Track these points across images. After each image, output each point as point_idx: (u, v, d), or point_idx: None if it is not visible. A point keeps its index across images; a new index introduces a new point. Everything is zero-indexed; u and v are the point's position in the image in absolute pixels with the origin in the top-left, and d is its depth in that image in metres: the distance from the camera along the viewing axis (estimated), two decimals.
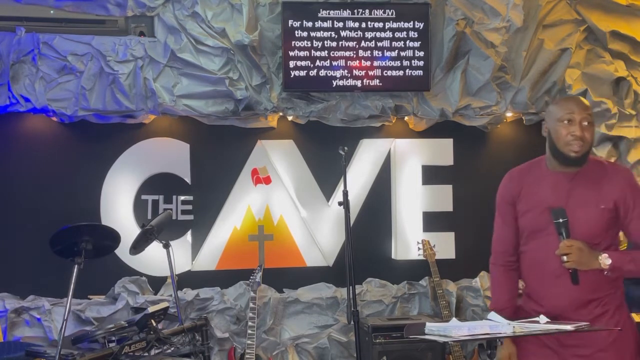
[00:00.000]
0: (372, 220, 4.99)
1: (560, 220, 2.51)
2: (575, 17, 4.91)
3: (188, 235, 4.82)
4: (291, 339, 4.75)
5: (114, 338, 3.58)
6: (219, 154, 4.86)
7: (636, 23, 4.95)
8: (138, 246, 4.13)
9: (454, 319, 2.49)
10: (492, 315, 2.50)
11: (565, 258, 2.48)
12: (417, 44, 4.75)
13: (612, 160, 4.96)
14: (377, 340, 4.41)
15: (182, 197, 4.82)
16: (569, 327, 2.37)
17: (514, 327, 2.34)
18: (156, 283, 4.73)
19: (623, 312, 2.62)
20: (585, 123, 2.55)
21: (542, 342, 2.59)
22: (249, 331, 4.35)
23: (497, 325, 2.36)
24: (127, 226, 4.63)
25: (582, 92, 4.89)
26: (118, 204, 4.73)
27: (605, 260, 2.48)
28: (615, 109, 4.93)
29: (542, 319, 2.47)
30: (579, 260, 2.48)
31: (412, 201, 5.00)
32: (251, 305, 4.44)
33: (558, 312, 2.55)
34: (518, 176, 2.72)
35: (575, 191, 2.58)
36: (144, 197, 4.78)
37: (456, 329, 2.32)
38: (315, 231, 4.91)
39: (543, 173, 2.65)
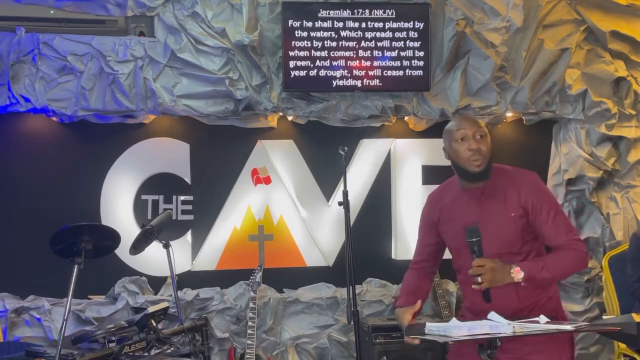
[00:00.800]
0: (372, 220, 4.99)
1: (474, 239, 2.52)
2: (575, 17, 4.91)
3: (188, 235, 4.82)
4: (291, 339, 4.75)
5: (114, 338, 3.57)
6: (219, 154, 4.86)
7: (636, 23, 4.95)
8: (138, 246, 4.13)
9: (453, 319, 2.49)
10: (492, 315, 2.50)
11: (479, 279, 2.47)
12: (417, 44, 4.75)
13: (612, 160, 4.96)
14: (377, 340, 4.41)
15: (182, 197, 4.82)
16: (568, 327, 2.37)
17: (514, 327, 2.34)
18: (156, 283, 4.73)
19: (560, 313, 2.69)
20: (479, 136, 2.61)
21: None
22: (249, 331, 4.35)
23: (497, 325, 2.36)
24: (127, 226, 4.63)
25: (582, 92, 4.89)
26: (118, 203, 4.73)
27: (517, 275, 2.49)
28: (615, 109, 4.92)
29: (542, 318, 2.47)
30: (493, 278, 2.47)
31: (412, 201, 5.00)
32: (251, 305, 4.44)
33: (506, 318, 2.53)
34: (435, 200, 2.81)
35: (486, 204, 2.63)
36: (144, 197, 4.78)
37: (456, 329, 2.32)
38: (315, 231, 4.91)
39: (456, 193, 2.71)
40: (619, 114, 4.94)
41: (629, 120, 4.98)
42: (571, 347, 2.66)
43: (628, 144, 4.98)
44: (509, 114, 5.02)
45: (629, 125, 4.97)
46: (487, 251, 2.54)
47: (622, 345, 4.07)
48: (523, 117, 5.06)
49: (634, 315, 3.37)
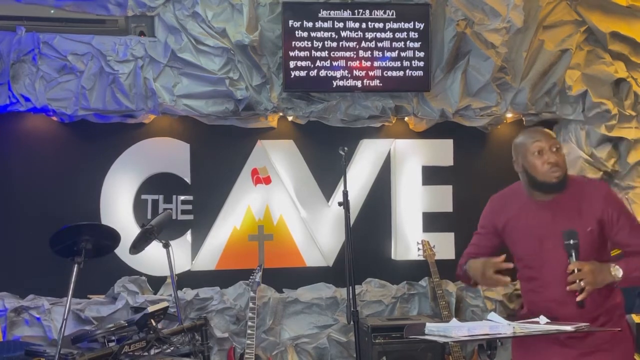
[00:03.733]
0: (372, 221, 4.99)
1: (572, 242, 2.51)
2: (575, 18, 4.91)
3: (188, 235, 4.82)
4: (291, 339, 4.75)
5: (113, 337, 3.58)
6: (219, 154, 4.86)
7: (636, 24, 4.95)
8: (138, 246, 4.13)
9: (454, 319, 2.50)
10: (492, 315, 2.51)
11: (582, 284, 2.46)
12: (417, 45, 4.75)
13: (612, 161, 4.96)
14: (377, 341, 4.41)
15: (182, 197, 4.82)
16: (569, 328, 2.40)
17: (514, 327, 2.35)
18: (156, 283, 4.73)
19: (623, 321, 2.68)
20: (554, 149, 2.61)
21: (551, 340, 2.60)
22: (249, 331, 4.35)
23: (497, 325, 2.37)
24: (127, 226, 4.63)
25: (583, 93, 4.89)
26: (118, 203, 4.73)
27: (617, 272, 2.52)
28: (616, 110, 4.93)
29: (542, 319, 2.48)
30: (594, 280, 2.48)
31: (412, 201, 5.00)
32: (251, 305, 4.44)
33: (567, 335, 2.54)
34: (500, 206, 2.78)
35: (559, 217, 2.62)
36: (144, 196, 4.78)
37: (456, 330, 2.33)
38: (315, 231, 4.91)
39: (525, 202, 2.69)
40: (619, 115, 4.94)
41: (629, 122, 4.98)
42: (634, 345, 2.70)
43: (628, 145, 4.98)
44: (509, 115, 5.02)
45: (629, 127, 4.97)
46: (565, 258, 2.53)
47: None
48: (523, 118, 5.06)
49: (633, 316, 3.39)
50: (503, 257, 2.61)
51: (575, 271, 2.45)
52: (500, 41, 4.75)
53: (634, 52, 4.96)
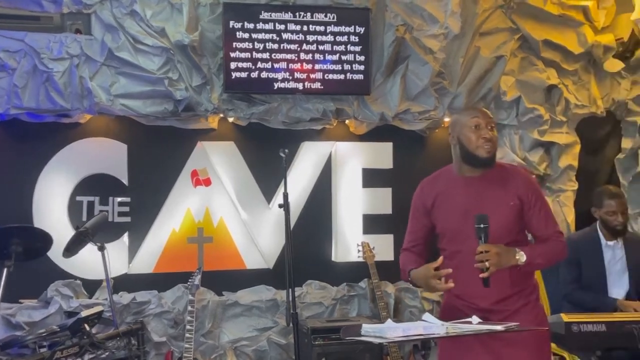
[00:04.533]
0: (312, 223, 5.01)
1: (482, 225, 2.65)
2: (510, 26, 5.06)
3: (125, 238, 4.73)
4: (230, 342, 4.72)
5: (45, 343, 3.48)
6: (158, 155, 4.78)
7: (568, 33, 5.13)
8: (72, 248, 4.04)
9: (389, 320, 2.54)
10: (426, 316, 2.56)
11: (487, 264, 2.60)
12: (358, 48, 4.80)
13: (544, 165, 5.13)
14: (317, 342, 4.42)
15: (119, 199, 4.72)
16: (499, 328, 2.48)
17: (447, 327, 2.40)
18: (91, 286, 4.62)
19: (540, 305, 2.86)
20: (490, 127, 2.76)
21: (472, 337, 2.68)
22: (187, 335, 4.30)
23: (431, 326, 2.42)
24: (60, 228, 4.50)
25: (516, 99, 5.04)
26: (52, 205, 4.60)
27: (521, 257, 2.68)
28: (547, 115, 5.09)
29: (475, 319, 2.55)
30: (499, 262, 2.63)
31: (352, 204, 5.04)
32: (189, 308, 4.39)
33: (486, 306, 2.72)
34: (430, 186, 2.91)
35: (486, 192, 2.77)
36: (79, 198, 4.66)
37: (391, 330, 2.36)
38: (256, 233, 4.90)
39: (454, 179, 2.83)
40: (551, 120, 5.11)
41: (560, 127, 5.16)
42: (549, 343, 2.88)
43: (559, 150, 5.15)
44: (447, 119, 5.12)
45: (560, 132, 5.15)
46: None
47: (552, 345, 4.20)
48: None
49: (562, 315, 3.50)
50: (440, 260, 2.70)
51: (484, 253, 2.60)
52: (438, 47, 4.84)
53: (565, 60, 5.14)
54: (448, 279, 2.64)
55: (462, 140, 2.76)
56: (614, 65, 5.13)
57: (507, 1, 5.03)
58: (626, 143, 5.22)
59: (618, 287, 3.92)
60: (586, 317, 3.44)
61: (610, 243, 3.93)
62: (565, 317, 3.45)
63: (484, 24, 5.01)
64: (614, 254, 3.94)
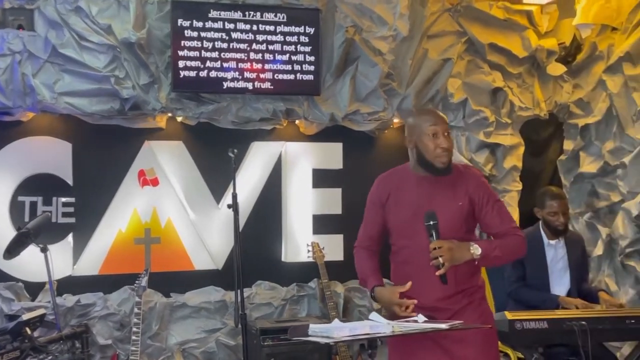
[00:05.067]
0: (262, 223, 4.99)
1: (431, 222, 2.71)
2: (457, 29, 5.14)
3: (69, 239, 4.62)
4: (178, 344, 4.67)
5: None
6: (104, 154, 4.69)
7: (513, 37, 5.25)
8: (13, 250, 3.93)
9: (335, 320, 2.55)
10: (373, 315, 2.58)
11: (440, 260, 2.65)
12: (308, 49, 4.81)
13: (489, 166, 5.23)
14: (266, 343, 4.41)
15: (63, 199, 4.61)
16: (444, 326, 2.53)
17: (392, 326, 2.42)
18: (34, 289, 4.49)
19: (485, 303, 2.91)
20: (446, 134, 2.81)
21: (419, 336, 2.72)
22: (133, 337, 4.23)
23: (377, 325, 2.44)
24: (1, 229, 4.39)
25: (463, 101, 5.13)
26: None
27: (476, 250, 2.73)
28: (493, 117, 5.20)
29: (420, 318, 2.59)
30: (452, 257, 2.69)
31: (302, 204, 5.05)
32: (136, 310, 4.31)
33: (430, 304, 2.75)
34: (385, 182, 2.96)
35: (437, 191, 2.82)
36: (20, 198, 4.53)
37: (338, 330, 2.37)
38: (205, 234, 4.85)
39: (409, 177, 2.89)
40: (496, 122, 5.22)
41: (505, 129, 5.27)
42: (496, 341, 2.94)
43: (504, 151, 5.27)
44: (396, 120, 5.18)
45: (505, 133, 5.26)
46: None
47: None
48: None
49: (506, 313, 3.58)
50: (408, 286, 2.70)
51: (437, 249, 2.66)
52: (387, 48, 4.89)
53: (510, 63, 5.26)
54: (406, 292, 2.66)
55: (419, 147, 2.82)
56: (556, 69, 5.27)
57: (454, 5, 5.12)
58: (568, 145, 5.37)
59: (560, 284, 4.03)
60: (529, 315, 3.53)
61: (552, 242, 4.04)
62: (509, 315, 3.53)
63: (431, 26, 5.08)
64: (556, 252, 4.05)
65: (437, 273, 2.66)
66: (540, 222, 4.11)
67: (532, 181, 5.31)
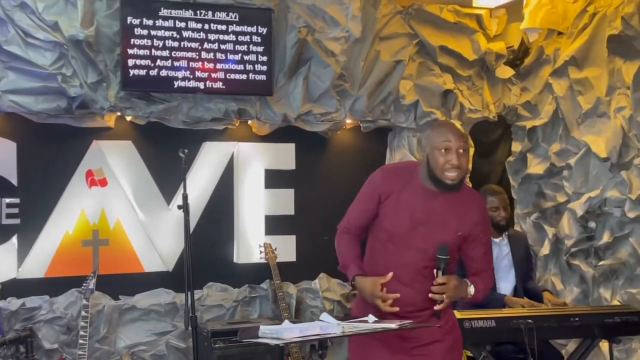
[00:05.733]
0: (214, 224, 4.95)
1: (443, 257, 2.65)
2: (408, 31, 5.20)
3: (14, 240, 4.49)
4: (126, 348, 4.59)
5: None
6: (50, 154, 4.57)
7: (463, 40, 5.33)
8: None
9: (286, 321, 2.54)
10: (324, 316, 2.58)
11: (444, 296, 2.64)
12: (260, 49, 4.78)
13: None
14: (217, 345, 4.38)
15: (7, 200, 4.47)
16: (393, 326, 2.52)
17: (343, 327, 2.42)
18: None
19: (451, 309, 2.90)
20: (461, 151, 2.68)
21: (389, 334, 2.71)
22: (80, 341, 4.14)
23: (328, 325, 2.44)
24: None
25: (414, 103, 5.18)
26: None
27: (471, 289, 2.74)
28: (444, 119, 5.26)
29: (370, 318, 2.59)
30: (455, 295, 2.69)
31: (254, 205, 5.02)
32: (83, 313, 4.23)
33: (403, 313, 2.68)
34: (391, 178, 2.80)
35: (440, 210, 2.73)
36: None
37: (288, 331, 2.36)
38: (155, 235, 4.78)
39: (416, 185, 2.76)
40: None
41: None
42: (461, 345, 2.92)
43: None
44: (348, 121, 5.20)
45: None
46: (429, 250, 2.67)
47: None
48: (361, 125, 5.26)
49: (455, 312, 3.63)
50: (389, 276, 2.66)
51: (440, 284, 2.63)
52: (339, 50, 4.91)
53: (460, 66, 5.33)
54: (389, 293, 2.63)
55: (430, 160, 2.70)
56: (505, 72, 5.38)
57: (406, 7, 5.17)
58: (516, 146, 5.48)
59: (505, 281, 4.11)
60: (477, 314, 3.59)
61: (497, 240, 4.12)
62: (458, 314, 3.57)
63: (383, 28, 5.12)
64: (500, 250, 4.13)
65: (436, 308, 2.64)
66: None
67: (482, 182, 5.37)
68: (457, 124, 2.87)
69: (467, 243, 2.78)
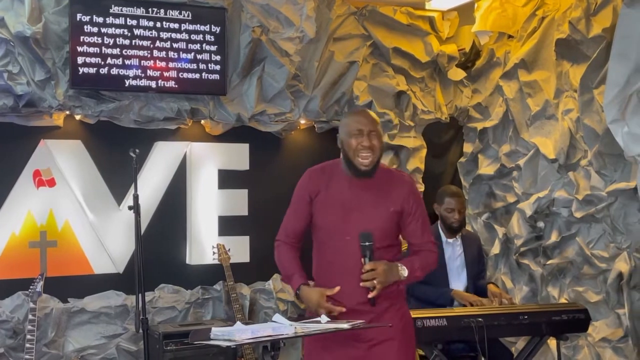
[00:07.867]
0: (166, 225, 4.88)
1: (367, 243, 2.71)
2: (362, 32, 5.22)
3: None
4: (75, 351, 4.49)
5: None
6: None
7: (416, 41, 5.38)
8: None
9: (238, 322, 2.52)
10: (276, 317, 2.57)
11: (375, 282, 2.67)
12: (213, 48, 4.74)
13: (394, 167, 5.34)
14: (169, 348, 4.32)
15: None
16: (345, 326, 2.54)
17: (295, 328, 2.42)
18: None
19: (405, 306, 2.94)
20: (373, 133, 2.78)
21: (343, 334, 2.73)
22: (27, 345, 4.04)
23: (280, 326, 2.44)
24: None
25: (368, 104, 5.21)
26: None
27: (403, 271, 2.77)
28: (397, 120, 5.31)
29: (323, 318, 2.60)
30: (386, 280, 2.71)
31: (207, 205, 4.97)
32: (30, 317, 4.12)
33: (352, 306, 2.73)
34: (316, 176, 2.91)
35: (368, 194, 2.82)
36: None
37: (240, 332, 2.35)
38: (105, 236, 4.69)
39: (340, 176, 2.86)
40: (400, 125, 5.34)
41: (408, 131, 5.40)
42: (414, 341, 2.98)
43: (407, 153, 5.40)
44: (303, 121, 5.20)
45: (408, 136, 5.39)
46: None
47: None
48: (315, 125, 5.27)
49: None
50: (336, 289, 2.70)
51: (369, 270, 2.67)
52: (294, 50, 4.90)
53: (413, 67, 5.39)
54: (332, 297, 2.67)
55: (344, 145, 2.81)
56: (456, 74, 5.45)
57: (360, 8, 5.19)
58: (467, 147, 5.56)
59: (457, 281, 4.17)
60: (429, 313, 3.63)
61: (450, 241, 4.18)
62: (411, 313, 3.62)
63: (337, 29, 5.13)
64: (453, 250, 4.19)
65: (370, 296, 2.68)
66: (439, 221, 4.24)
67: (434, 182, 5.46)
68: (370, 111, 2.96)
69: (402, 219, 2.85)
